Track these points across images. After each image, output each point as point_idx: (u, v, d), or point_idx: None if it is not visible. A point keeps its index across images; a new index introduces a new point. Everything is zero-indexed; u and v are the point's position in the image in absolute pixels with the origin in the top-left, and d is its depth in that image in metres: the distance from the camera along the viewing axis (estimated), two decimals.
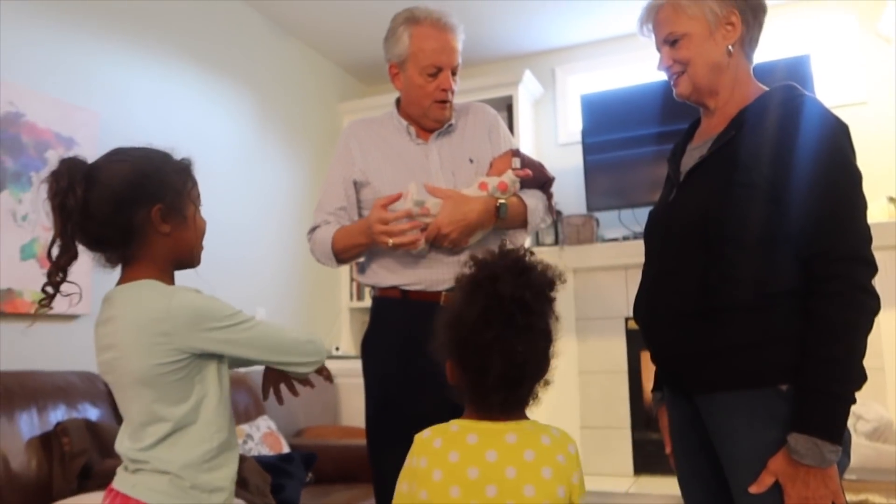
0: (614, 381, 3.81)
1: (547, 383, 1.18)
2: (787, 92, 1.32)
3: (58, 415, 2.23)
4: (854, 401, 1.18)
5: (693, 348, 1.30)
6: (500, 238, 1.92)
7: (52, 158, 2.62)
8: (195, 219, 1.31)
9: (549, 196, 1.95)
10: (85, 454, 2.12)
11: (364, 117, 2.04)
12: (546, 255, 3.88)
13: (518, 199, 1.86)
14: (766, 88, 1.37)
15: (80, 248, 1.22)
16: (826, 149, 1.23)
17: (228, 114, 3.56)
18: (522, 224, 1.89)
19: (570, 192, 3.89)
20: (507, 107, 4.03)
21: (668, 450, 1.49)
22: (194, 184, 1.31)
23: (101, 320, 1.25)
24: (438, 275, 1.79)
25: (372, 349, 1.89)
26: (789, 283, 1.23)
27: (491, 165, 1.88)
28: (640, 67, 4.00)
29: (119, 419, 1.29)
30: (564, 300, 3.91)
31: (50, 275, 1.19)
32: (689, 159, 1.42)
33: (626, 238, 3.76)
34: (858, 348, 1.17)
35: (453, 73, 1.86)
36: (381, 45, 1.91)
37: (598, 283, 3.88)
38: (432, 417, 1.23)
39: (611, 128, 3.80)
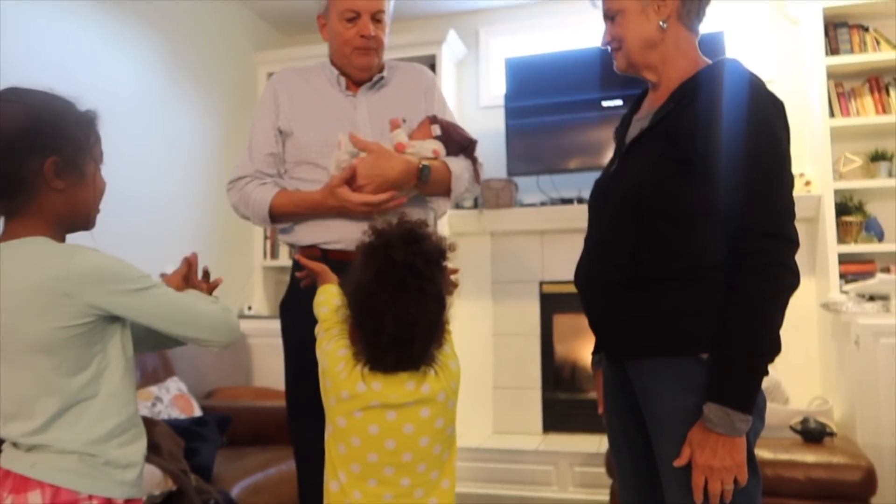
0: (527, 342, 3.90)
1: (440, 346, 1.28)
2: (726, 67, 1.34)
3: None
4: (766, 373, 1.23)
5: (623, 316, 1.34)
6: (424, 203, 1.86)
7: None
8: (95, 178, 1.20)
9: (475, 161, 1.90)
10: None
11: (296, 66, 1.96)
12: (465, 218, 3.90)
13: (443, 165, 1.79)
14: (709, 62, 1.39)
15: None
16: (755, 126, 1.26)
17: (133, 58, 3.32)
18: (446, 192, 1.83)
19: (490, 156, 3.85)
20: (429, 66, 3.96)
21: (600, 410, 1.54)
22: (97, 139, 1.20)
23: None
24: (357, 233, 1.72)
25: (290, 312, 1.84)
26: (716, 256, 1.27)
27: (410, 136, 1.82)
28: (565, 34, 4.02)
29: None
30: (481, 263, 3.96)
31: None
32: (634, 130, 1.44)
33: (543, 203, 3.82)
34: (773, 322, 1.22)
35: (377, 21, 1.80)
36: None
37: (514, 247, 3.94)
38: None
39: (533, 93, 3.82)
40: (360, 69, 1.83)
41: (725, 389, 1.21)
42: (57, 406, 1.09)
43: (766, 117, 1.28)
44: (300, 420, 1.76)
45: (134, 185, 3.19)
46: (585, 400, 3.81)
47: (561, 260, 3.83)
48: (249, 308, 3.93)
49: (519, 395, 3.90)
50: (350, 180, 1.67)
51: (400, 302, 1.19)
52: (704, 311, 1.26)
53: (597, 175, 1.52)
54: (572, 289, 1.47)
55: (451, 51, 4.05)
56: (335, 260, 1.69)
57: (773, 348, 1.23)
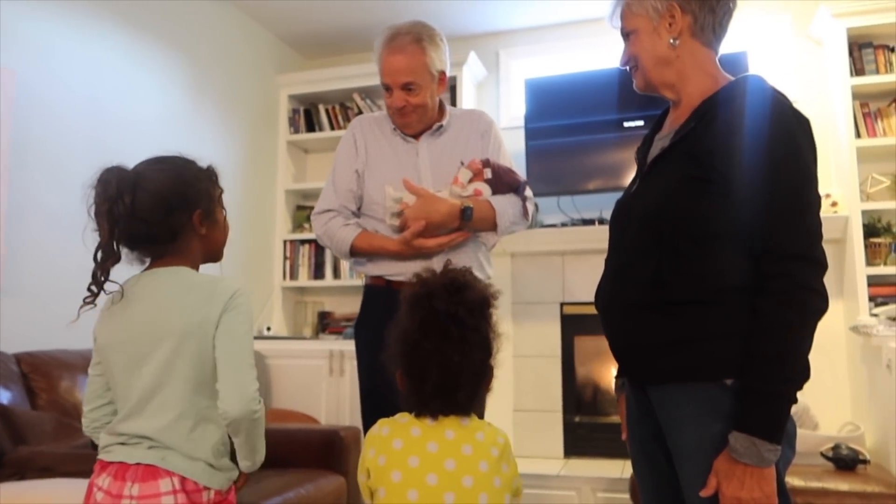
0: (548, 365, 3.86)
1: (489, 390, 1.31)
2: (749, 83, 1.30)
3: None
4: (795, 400, 1.17)
5: (644, 340, 1.30)
6: (475, 238, 2.05)
7: None
8: (224, 222, 1.47)
9: (524, 199, 2.06)
10: None
11: (371, 114, 2.18)
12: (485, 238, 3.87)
13: (486, 203, 1.97)
14: (732, 78, 1.36)
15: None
16: (778, 144, 1.22)
17: (158, 79, 3.38)
18: (492, 227, 2.00)
19: None
20: (450, 87, 3.98)
21: (623, 436, 1.49)
22: (222, 190, 1.47)
23: (131, 298, 1.33)
24: (415, 267, 1.92)
25: (362, 336, 2.04)
26: (740, 279, 1.23)
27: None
28: (584, 55, 4.02)
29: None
30: (502, 284, 3.92)
31: (95, 276, 1.29)
32: (655, 149, 1.41)
33: (564, 224, 3.80)
34: (800, 348, 1.17)
35: (409, 90, 1.96)
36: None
37: (535, 268, 3.91)
38: None
39: (553, 114, 3.81)
40: (402, 127, 2.06)
41: (751, 418, 1.16)
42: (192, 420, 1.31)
43: (790, 135, 1.23)
44: None
45: None
46: (608, 423, 3.74)
47: (582, 281, 3.79)
48: (269, 329, 3.93)
49: (540, 419, 3.84)
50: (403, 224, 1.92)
51: (444, 352, 1.22)
52: (728, 334, 1.22)
53: (618, 196, 1.50)
54: (593, 310, 1.45)
55: (471, 72, 4.07)
56: (397, 290, 1.85)
57: (802, 374, 1.17)
